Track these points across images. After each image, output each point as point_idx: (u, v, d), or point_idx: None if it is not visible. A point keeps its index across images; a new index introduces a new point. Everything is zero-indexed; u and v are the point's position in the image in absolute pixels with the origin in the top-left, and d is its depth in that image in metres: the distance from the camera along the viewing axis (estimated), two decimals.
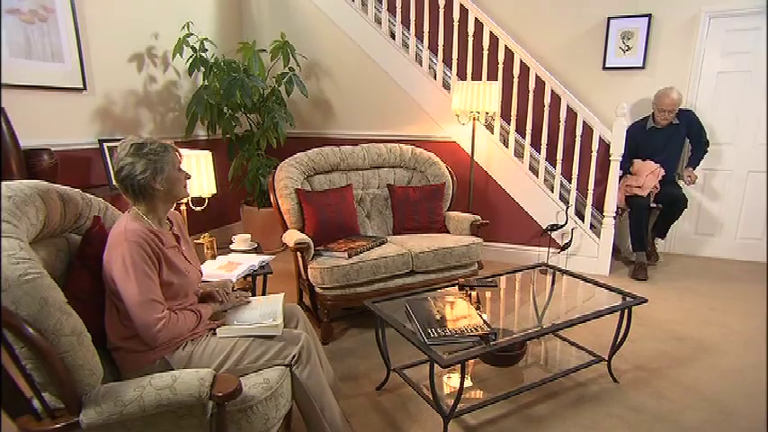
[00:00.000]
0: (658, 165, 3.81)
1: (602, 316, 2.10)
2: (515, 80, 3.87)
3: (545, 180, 3.94)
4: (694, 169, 3.89)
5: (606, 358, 2.29)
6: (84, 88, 3.19)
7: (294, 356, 1.55)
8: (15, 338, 1.08)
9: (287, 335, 1.58)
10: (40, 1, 2.85)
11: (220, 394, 1.24)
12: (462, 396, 1.76)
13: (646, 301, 2.19)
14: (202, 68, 3.84)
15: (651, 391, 2.20)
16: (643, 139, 3.92)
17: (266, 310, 1.66)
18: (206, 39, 3.88)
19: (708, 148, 3.88)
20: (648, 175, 3.79)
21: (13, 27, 2.72)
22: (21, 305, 1.08)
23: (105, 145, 3.28)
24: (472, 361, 2.35)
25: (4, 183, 1.32)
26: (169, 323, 1.42)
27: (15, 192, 1.30)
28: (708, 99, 3.99)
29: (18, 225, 1.23)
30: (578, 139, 3.75)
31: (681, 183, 4.02)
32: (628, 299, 2.23)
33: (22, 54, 2.78)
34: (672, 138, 3.88)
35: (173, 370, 1.39)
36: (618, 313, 2.19)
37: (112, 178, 1.51)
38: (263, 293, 2.55)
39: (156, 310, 1.40)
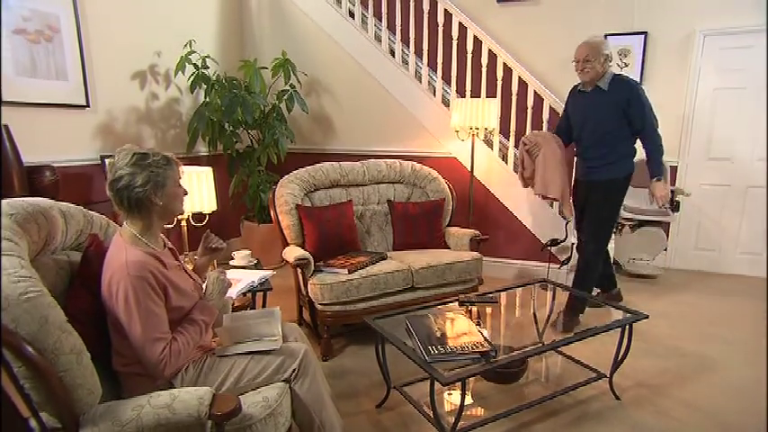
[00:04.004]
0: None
1: (603, 332, 2.10)
2: (514, 97, 3.91)
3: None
4: (659, 179, 2.86)
5: (607, 375, 2.28)
6: (87, 105, 3.22)
7: (294, 370, 1.54)
8: (14, 358, 1.08)
9: (285, 349, 1.58)
10: (45, 21, 2.90)
11: (219, 414, 1.23)
12: (463, 414, 1.75)
13: (647, 317, 2.19)
14: (204, 85, 3.88)
15: (653, 408, 2.18)
16: (572, 103, 3.10)
17: (263, 327, 1.65)
18: (208, 56, 3.93)
19: (661, 145, 2.84)
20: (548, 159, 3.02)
21: (19, 47, 2.76)
22: (21, 324, 1.08)
23: (107, 161, 3.30)
24: (473, 378, 2.34)
25: (5, 200, 1.33)
26: (171, 358, 1.36)
27: (17, 209, 1.31)
28: (705, 115, 4.03)
29: (19, 243, 1.24)
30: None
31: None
32: (628, 315, 2.22)
33: (27, 73, 2.82)
34: (595, 110, 2.88)
35: None
36: (619, 329, 2.18)
37: (107, 187, 1.41)
38: None
39: (158, 348, 1.34)
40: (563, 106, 3.75)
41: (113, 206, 1.45)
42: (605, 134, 2.88)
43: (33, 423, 1.16)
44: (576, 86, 3.08)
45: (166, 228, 1.70)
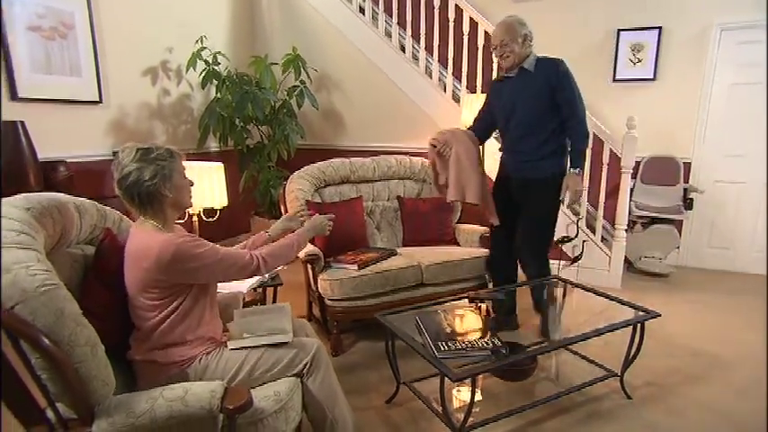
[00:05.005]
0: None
1: (614, 330, 2.07)
2: None
3: None
4: (578, 172, 2.52)
5: (619, 373, 2.26)
6: (100, 101, 3.25)
7: (307, 364, 1.55)
8: (32, 349, 1.10)
9: (298, 343, 1.59)
10: (60, 18, 2.93)
11: (231, 407, 1.25)
12: (472, 410, 1.74)
13: (659, 315, 2.16)
14: (215, 81, 3.91)
15: (665, 407, 2.16)
16: (494, 94, 2.74)
17: (274, 322, 1.66)
18: (219, 52, 3.95)
19: (587, 135, 2.54)
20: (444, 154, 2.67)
21: (35, 43, 2.80)
22: (38, 316, 1.10)
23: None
24: (482, 375, 2.33)
25: (23, 195, 1.35)
26: (263, 258, 1.55)
27: (34, 204, 1.32)
28: (721, 111, 3.97)
29: (36, 237, 1.25)
30: (589, 151, 3.72)
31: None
32: (640, 313, 2.20)
33: (42, 69, 2.86)
34: (523, 93, 2.55)
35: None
36: (630, 327, 2.16)
37: (115, 186, 1.44)
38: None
39: (245, 254, 1.53)
40: None
41: (125, 204, 1.47)
42: (537, 121, 2.54)
43: (50, 413, 1.18)
44: (496, 78, 2.71)
45: (177, 223, 1.72)
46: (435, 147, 2.73)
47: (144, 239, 1.42)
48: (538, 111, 2.53)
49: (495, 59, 2.64)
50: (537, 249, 2.70)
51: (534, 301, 2.76)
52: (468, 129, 2.84)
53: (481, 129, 2.82)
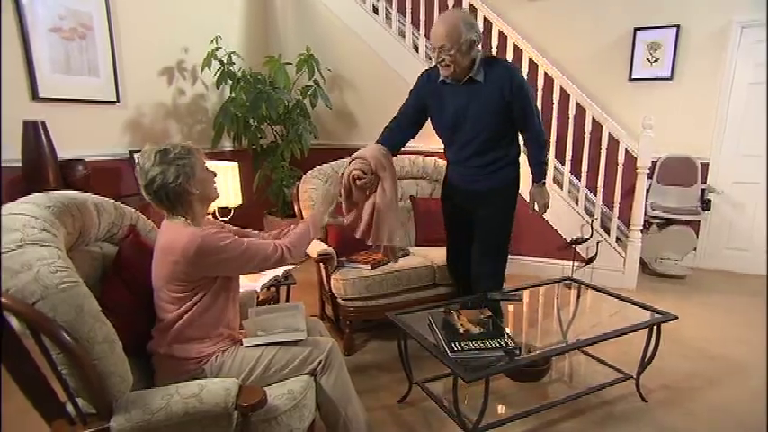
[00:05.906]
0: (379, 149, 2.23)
1: (634, 331, 2.05)
2: (539, 92, 3.84)
3: (569, 192, 3.88)
4: (543, 184, 2.38)
5: (634, 376, 2.23)
6: (118, 101, 3.30)
7: (320, 362, 1.56)
8: (52, 344, 1.12)
9: (312, 342, 1.60)
10: (79, 19, 2.97)
11: (246, 405, 1.26)
12: (485, 411, 1.74)
13: (676, 317, 2.13)
14: (229, 81, 3.94)
15: (681, 411, 2.13)
16: (431, 95, 2.29)
17: (289, 320, 1.68)
18: (233, 52, 3.98)
19: (545, 145, 2.34)
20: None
21: (55, 44, 2.85)
22: (58, 312, 1.12)
23: (136, 156, 3.38)
24: (495, 375, 2.32)
25: (43, 193, 1.37)
26: (286, 246, 1.57)
27: (54, 201, 1.35)
28: (740, 110, 3.90)
29: (57, 234, 1.28)
30: (603, 151, 3.69)
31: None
32: (657, 315, 2.17)
33: (62, 70, 2.91)
34: (471, 107, 2.17)
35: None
36: (646, 329, 2.14)
37: (143, 192, 1.46)
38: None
39: (269, 246, 1.54)
40: (588, 100, 3.70)
41: (156, 207, 1.50)
42: (488, 137, 2.21)
43: (70, 408, 1.20)
44: (434, 70, 2.24)
45: None
46: (361, 179, 2.16)
47: (172, 234, 1.45)
48: (491, 126, 2.19)
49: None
50: (495, 268, 2.42)
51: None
52: (386, 131, 2.43)
53: (400, 137, 2.38)
